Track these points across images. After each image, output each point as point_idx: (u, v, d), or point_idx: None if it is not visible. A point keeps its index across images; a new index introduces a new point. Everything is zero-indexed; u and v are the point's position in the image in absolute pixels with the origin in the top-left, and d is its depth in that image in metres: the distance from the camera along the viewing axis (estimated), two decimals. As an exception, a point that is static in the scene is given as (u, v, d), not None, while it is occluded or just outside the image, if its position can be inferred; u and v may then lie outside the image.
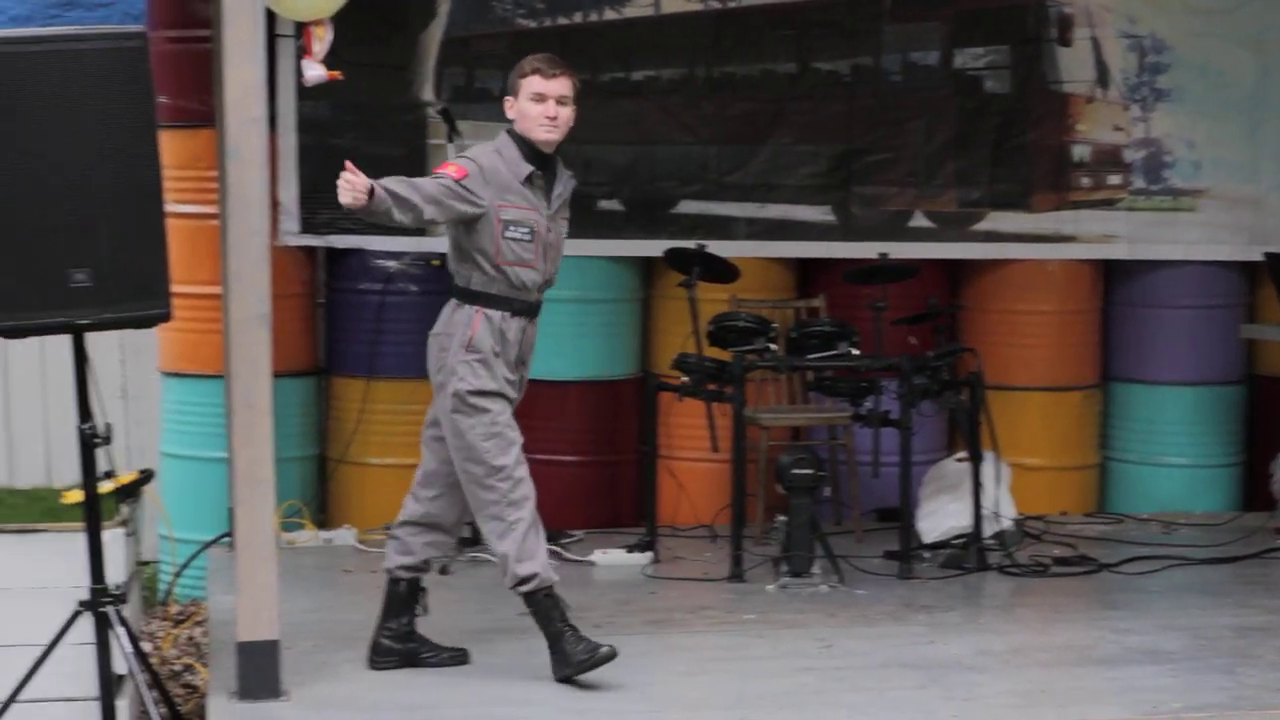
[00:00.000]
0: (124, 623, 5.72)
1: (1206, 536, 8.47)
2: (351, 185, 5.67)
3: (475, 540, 7.38)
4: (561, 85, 6.01)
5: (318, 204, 8.40)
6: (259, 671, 5.69)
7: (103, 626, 5.70)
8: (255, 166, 5.59)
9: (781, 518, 7.56)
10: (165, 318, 5.62)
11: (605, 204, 8.78)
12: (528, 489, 5.97)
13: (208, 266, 7.99)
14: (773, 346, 7.86)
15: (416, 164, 8.20)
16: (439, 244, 6.18)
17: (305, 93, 8.01)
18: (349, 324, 8.66)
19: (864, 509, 8.55)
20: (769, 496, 8.23)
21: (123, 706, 6.28)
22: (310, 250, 8.64)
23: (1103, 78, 9.10)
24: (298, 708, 5.70)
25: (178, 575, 8.03)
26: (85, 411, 5.64)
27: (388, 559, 6.24)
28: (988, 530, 7.92)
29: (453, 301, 6.06)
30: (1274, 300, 8.83)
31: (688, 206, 8.85)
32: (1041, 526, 8.60)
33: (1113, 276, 9.27)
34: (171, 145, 7.32)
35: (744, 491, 7.78)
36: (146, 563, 8.10)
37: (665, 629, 6.86)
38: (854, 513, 8.46)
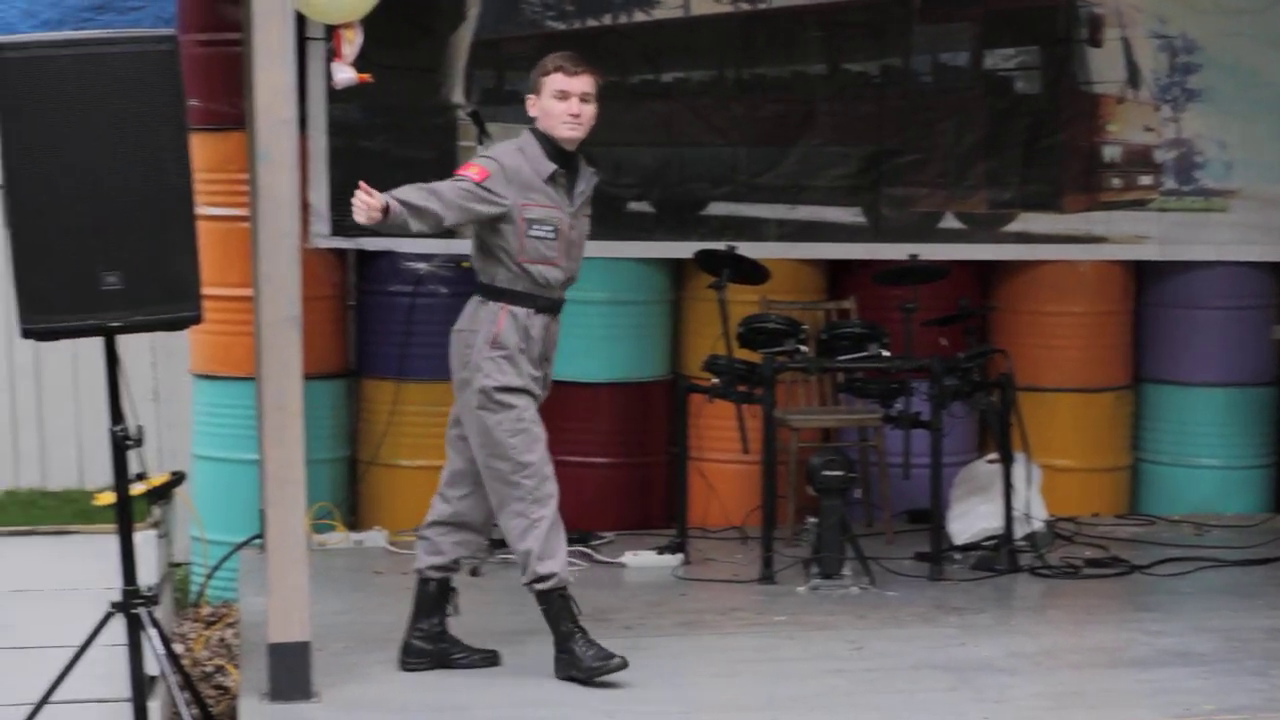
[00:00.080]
0: (156, 624, 5.72)
1: (1239, 538, 8.44)
2: (366, 205, 5.69)
3: (506, 542, 7.38)
4: (584, 83, 6.02)
5: (348, 206, 8.36)
6: (290, 673, 5.71)
7: (135, 628, 5.71)
8: (286, 169, 5.61)
9: (812, 519, 7.56)
10: (196, 320, 5.63)
11: (635, 206, 8.78)
12: (553, 487, 5.98)
13: (239, 269, 8.00)
14: (803, 348, 7.85)
15: (446, 166, 8.17)
16: (469, 245, 6.17)
17: (335, 95, 8.01)
18: (379, 326, 8.66)
19: (895, 510, 8.53)
20: (799, 498, 8.23)
21: (155, 708, 6.28)
22: (340, 252, 8.65)
23: (1133, 78, 9.07)
24: (329, 709, 5.72)
25: (209, 577, 8.04)
26: (117, 414, 5.66)
27: (417, 559, 6.25)
28: (1019, 532, 7.90)
29: (476, 297, 6.06)
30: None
31: (718, 208, 8.85)
32: (1073, 528, 8.58)
33: (1144, 277, 9.24)
34: (202, 148, 7.33)
35: (774, 493, 7.76)
36: (178, 564, 8.12)
37: (696, 630, 6.86)
38: (885, 514, 8.45)
